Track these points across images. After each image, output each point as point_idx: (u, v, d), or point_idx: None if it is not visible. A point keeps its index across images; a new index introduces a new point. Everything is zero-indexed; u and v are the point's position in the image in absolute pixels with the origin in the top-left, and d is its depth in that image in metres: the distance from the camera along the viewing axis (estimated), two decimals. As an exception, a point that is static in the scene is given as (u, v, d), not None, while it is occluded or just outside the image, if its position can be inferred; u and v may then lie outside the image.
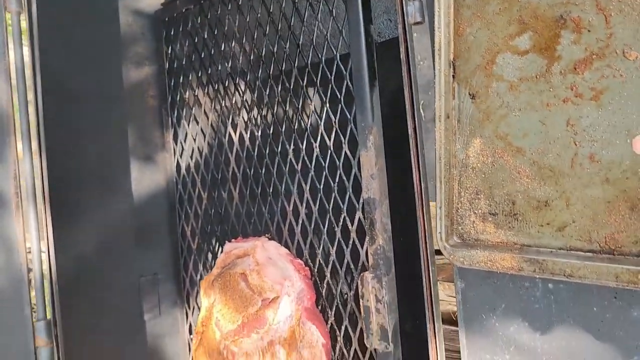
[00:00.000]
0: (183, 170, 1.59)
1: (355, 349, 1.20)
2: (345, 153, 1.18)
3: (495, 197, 1.05)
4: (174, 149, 1.60)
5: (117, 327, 1.50)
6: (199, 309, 1.51)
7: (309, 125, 1.26)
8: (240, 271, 1.22)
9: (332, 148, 1.21)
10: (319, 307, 1.26)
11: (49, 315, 1.09)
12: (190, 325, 1.60)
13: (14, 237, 1.12)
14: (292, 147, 1.29)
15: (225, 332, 1.24)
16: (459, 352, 1.15)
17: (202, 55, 1.52)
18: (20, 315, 1.08)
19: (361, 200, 1.14)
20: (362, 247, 1.17)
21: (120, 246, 1.53)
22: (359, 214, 1.17)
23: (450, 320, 1.77)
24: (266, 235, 1.32)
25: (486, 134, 1.00)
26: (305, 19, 1.26)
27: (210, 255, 1.52)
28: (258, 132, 1.38)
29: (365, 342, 1.12)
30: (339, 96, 1.18)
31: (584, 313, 0.98)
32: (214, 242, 1.50)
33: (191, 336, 1.58)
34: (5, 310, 1.09)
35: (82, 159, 1.47)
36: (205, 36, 1.51)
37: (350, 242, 1.18)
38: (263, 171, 1.36)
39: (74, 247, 1.42)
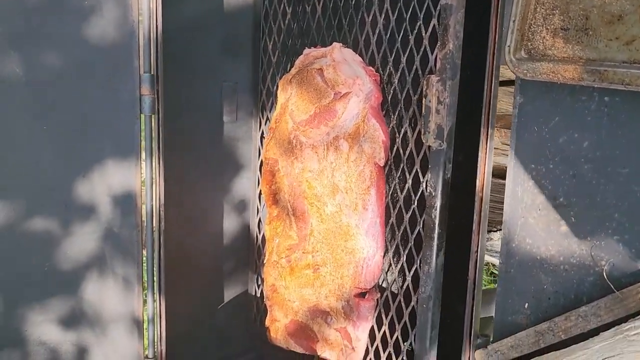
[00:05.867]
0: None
1: (411, 149, 1.32)
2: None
3: (570, 12, 1.09)
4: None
5: (201, 121, 1.69)
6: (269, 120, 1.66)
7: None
8: (317, 67, 1.34)
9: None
10: (383, 112, 1.37)
11: (153, 71, 1.26)
12: (262, 133, 1.76)
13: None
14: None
15: (298, 121, 1.38)
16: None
17: None
18: (130, 66, 1.25)
19: (438, 7, 1.21)
20: (432, 54, 1.25)
21: (207, 52, 1.67)
22: (434, 21, 1.23)
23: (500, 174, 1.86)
24: (343, 45, 1.41)
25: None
26: None
27: (288, 68, 1.64)
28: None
29: (422, 138, 1.23)
30: None
31: (634, 125, 1.04)
32: (292, 56, 1.61)
33: (262, 143, 1.75)
34: (117, 60, 1.27)
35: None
36: None
37: (422, 48, 1.27)
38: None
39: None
